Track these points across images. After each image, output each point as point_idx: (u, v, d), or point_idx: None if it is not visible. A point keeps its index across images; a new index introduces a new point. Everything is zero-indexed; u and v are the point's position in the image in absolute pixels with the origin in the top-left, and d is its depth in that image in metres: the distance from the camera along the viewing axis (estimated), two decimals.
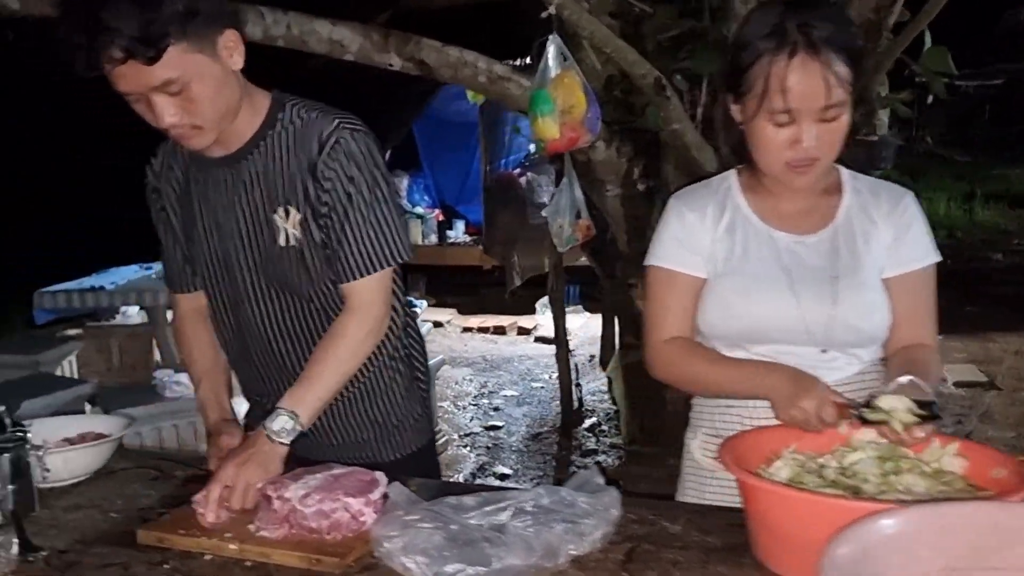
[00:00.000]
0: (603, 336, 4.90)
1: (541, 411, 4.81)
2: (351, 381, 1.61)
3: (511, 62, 3.58)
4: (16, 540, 1.30)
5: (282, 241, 1.54)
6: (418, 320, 1.76)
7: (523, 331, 6.84)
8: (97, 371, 5.40)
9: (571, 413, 4.24)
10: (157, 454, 1.83)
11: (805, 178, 1.39)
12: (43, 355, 4.68)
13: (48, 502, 1.49)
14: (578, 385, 4.59)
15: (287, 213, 1.51)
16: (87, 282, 4.79)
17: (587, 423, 4.45)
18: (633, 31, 3.31)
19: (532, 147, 6.62)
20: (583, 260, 4.67)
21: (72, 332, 5.55)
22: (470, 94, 4.32)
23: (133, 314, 5.68)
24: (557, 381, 4.61)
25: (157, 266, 5.22)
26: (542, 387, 5.27)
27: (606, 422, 4.41)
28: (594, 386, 5.00)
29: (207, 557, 1.26)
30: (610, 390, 4.81)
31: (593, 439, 4.23)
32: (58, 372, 4.84)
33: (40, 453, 1.48)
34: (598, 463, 3.88)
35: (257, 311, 1.61)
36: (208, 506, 1.32)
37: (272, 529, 1.28)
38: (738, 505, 1.45)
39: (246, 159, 1.53)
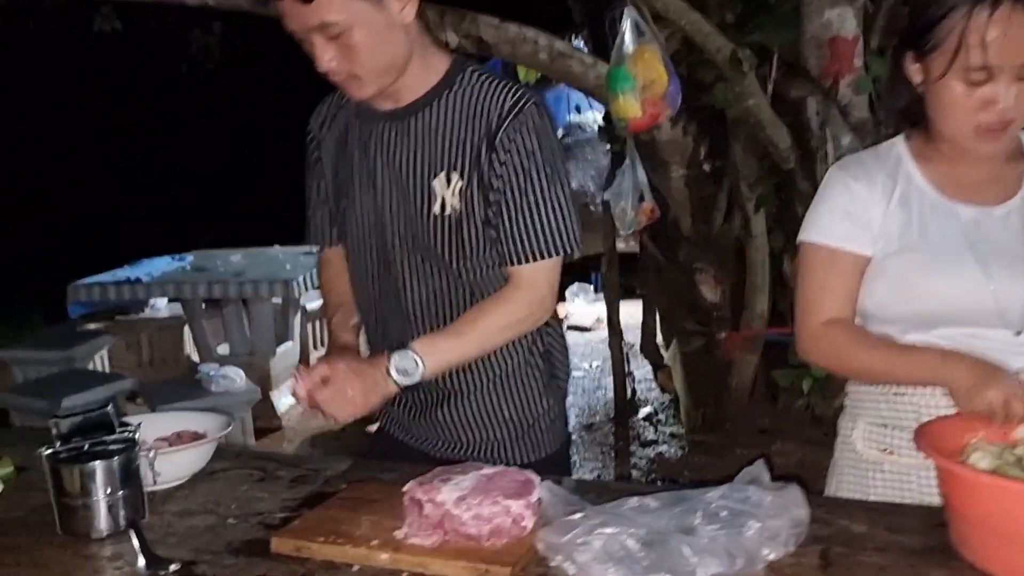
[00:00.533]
0: (644, 323, 4.78)
1: (588, 401, 4.69)
2: (488, 373, 1.51)
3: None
4: (140, 551, 1.18)
5: (436, 209, 1.43)
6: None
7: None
8: (127, 366, 5.30)
9: (625, 402, 4.12)
10: (255, 454, 1.70)
11: (995, 144, 1.26)
12: (75, 350, 4.57)
13: (155, 507, 1.37)
14: (630, 374, 4.47)
15: (448, 180, 1.40)
16: (121, 274, 4.66)
17: (642, 412, 4.33)
18: (698, 6, 3.18)
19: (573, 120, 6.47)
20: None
21: (100, 326, 5.44)
22: (522, 72, 4.17)
23: (162, 307, 5.58)
24: (598, 370, 4.50)
25: (189, 257, 5.10)
26: (584, 376, 5.15)
27: (662, 411, 4.29)
28: (639, 374, 4.87)
29: (355, 568, 1.14)
30: (655, 378, 4.69)
31: (651, 429, 4.10)
32: (90, 367, 4.73)
33: (151, 455, 1.36)
34: (659, 454, 3.76)
35: (402, 279, 1.51)
36: (303, 378, 1.35)
37: (424, 536, 1.15)
38: (917, 501, 1.34)
39: (415, 116, 1.43)
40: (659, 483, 3.44)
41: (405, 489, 1.20)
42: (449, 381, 1.55)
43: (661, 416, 4.26)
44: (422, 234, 1.45)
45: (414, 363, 1.37)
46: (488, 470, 1.23)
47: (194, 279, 4.52)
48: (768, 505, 1.11)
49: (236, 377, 3.78)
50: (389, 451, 1.65)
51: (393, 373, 1.38)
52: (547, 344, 1.58)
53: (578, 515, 1.10)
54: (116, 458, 1.27)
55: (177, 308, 5.37)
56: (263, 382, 4.54)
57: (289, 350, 5.12)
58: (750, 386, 3.45)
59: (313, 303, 5.48)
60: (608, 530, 1.04)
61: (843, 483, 1.46)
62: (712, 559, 1.01)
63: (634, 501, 1.10)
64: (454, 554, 1.12)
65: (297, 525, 1.24)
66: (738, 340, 3.38)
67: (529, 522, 1.16)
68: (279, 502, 1.39)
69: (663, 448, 3.83)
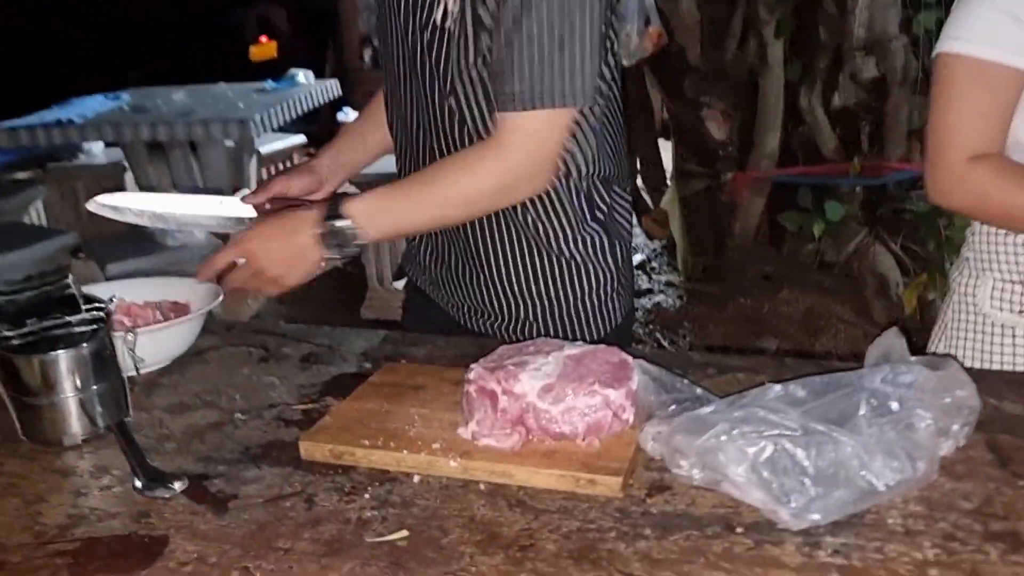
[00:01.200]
0: (630, 165, 4.49)
1: None
2: (526, 245, 1.26)
3: None
4: (133, 466, 0.91)
5: (438, 17, 1.13)
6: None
7: None
8: (65, 220, 4.86)
9: None
10: (249, 327, 1.42)
11: None
12: (4, 203, 4.13)
13: (138, 401, 1.10)
14: None
15: None
16: (48, 116, 4.14)
17: (634, 260, 4.10)
18: None
19: None
20: None
21: (29, 175, 4.95)
22: None
23: (99, 153, 5.09)
24: None
25: (125, 96, 4.58)
26: None
27: (654, 259, 4.08)
28: None
29: (416, 479, 0.89)
30: (639, 223, 4.47)
31: (644, 277, 3.90)
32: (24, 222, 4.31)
33: (129, 337, 1.07)
34: (657, 304, 3.58)
35: (404, 107, 1.27)
36: (205, 271, 1.22)
37: (500, 436, 0.91)
38: None
39: None
40: (660, 335, 3.27)
41: (471, 376, 0.94)
42: (479, 246, 1.29)
43: (654, 264, 4.05)
44: (419, 49, 1.19)
45: (348, 232, 1.15)
46: (571, 349, 0.97)
47: (134, 120, 4.03)
48: (933, 389, 0.88)
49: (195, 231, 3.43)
50: (422, 312, 1.40)
51: (323, 238, 1.16)
52: (609, 208, 1.30)
53: (708, 408, 0.86)
54: (86, 344, 0.98)
55: (116, 153, 4.88)
56: (222, 235, 4.17)
57: None
58: (754, 232, 3.24)
59: (269, 146, 5.05)
60: (755, 430, 0.81)
61: (958, 349, 1.25)
62: (890, 465, 0.79)
63: (776, 389, 0.86)
64: (543, 460, 0.88)
65: (330, 423, 0.98)
66: (745, 181, 3.13)
67: (631, 415, 0.92)
68: (295, 389, 1.13)
69: (660, 298, 3.65)
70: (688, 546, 0.77)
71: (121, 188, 4.97)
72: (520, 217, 1.25)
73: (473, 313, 1.33)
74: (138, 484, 0.88)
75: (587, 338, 1.29)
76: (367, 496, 0.87)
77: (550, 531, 0.80)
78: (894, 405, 0.84)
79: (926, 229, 2.52)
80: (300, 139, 5.50)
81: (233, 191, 4.71)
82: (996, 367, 1.20)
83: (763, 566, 0.73)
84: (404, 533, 0.80)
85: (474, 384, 0.93)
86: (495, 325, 1.31)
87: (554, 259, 1.27)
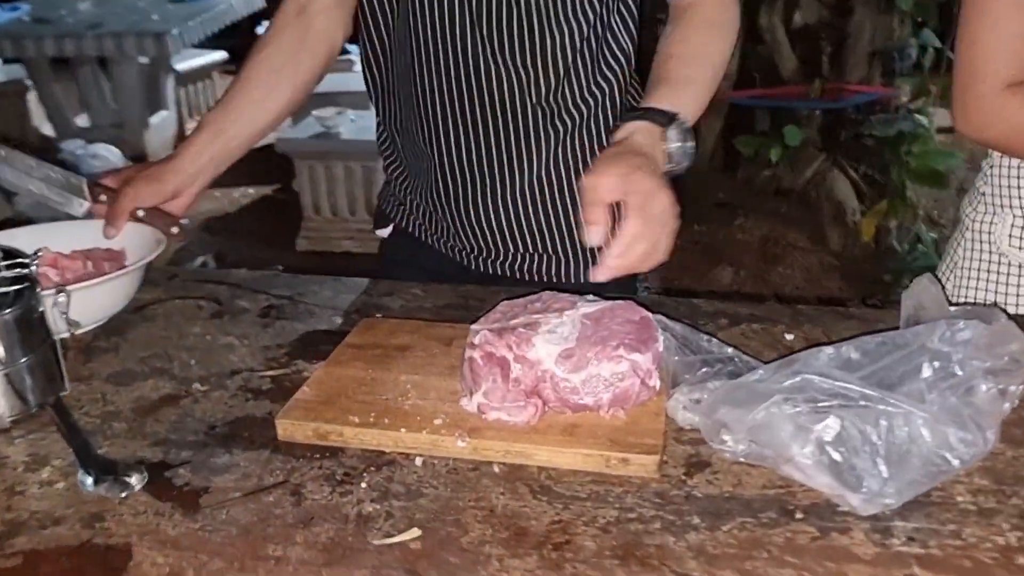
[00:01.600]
0: None
1: None
2: (579, 169, 1.14)
3: None
4: (78, 457, 0.77)
5: None
6: None
7: None
8: None
9: None
10: (194, 274, 1.25)
11: None
12: None
13: (74, 370, 0.95)
14: None
15: None
16: None
17: None
18: None
19: None
20: None
21: None
22: None
23: None
24: None
25: (24, 6, 4.16)
26: None
27: None
28: None
29: (418, 462, 0.77)
30: None
31: None
32: None
33: (62, 298, 0.91)
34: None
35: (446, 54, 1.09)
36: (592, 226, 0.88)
37: (513, 410, 0.79)
38: None
39: None
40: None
41: (476, 340, 0.82)
42: (509, 164, 1.14)
43: None
44: None
45: (688, 139, 0.97)
46: (586, 306, 0.86)
47: (37, 33, 3.66)
48: (987, 345, 0.80)
49: (110, 155, 3.15)
50: (411, 261, 1.26)
51: (674, 156, 0.97)
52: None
53: (753, 376, 0.76)
54: (10, 309, 0.82)
55: (16, 71, 4.47)
56: (138, 162, 3.88)
57: (165, 121, 4.40)
58: (709, 157, 3.15)
59: (187, 63, 4.70)
60: (813, 402, 0.71)
61: (970, 290, 1.18)
62: (963, 438, 0.71)
63: (828, 352, 0.77)
64: (565, 436, 0.77)
65: (309, 396, 0.84)
66: None
67: (657, 380, 0.82)
68: (258, 352, 0.98)
69: None
70: (745, 537, 0.67)
71: (23, 109, 4.58)
72: (562, 127, 1.13)
73: (484, 252, 1.20)
74: (87, 480, 0.74)
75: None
76: (364, 486, 0.74)
77: (585, 523, 0.69)
78: (956, 368, 0.75)
79: (889, 155, 2.47)
80: (221, 55, 5.13)
81: (149, 113, 4.37)
82: (1012, 309, 1.14)
83: (834, 560, 0.65)
84: (416, 532, 0.69)
85: (479, 350, 0.81)
86: (507, 264, 1.19)
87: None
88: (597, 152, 1.15)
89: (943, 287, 1.23)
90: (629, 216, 0.84)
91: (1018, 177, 1.12)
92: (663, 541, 0.67)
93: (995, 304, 1.15)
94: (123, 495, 0.73)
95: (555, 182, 1.14)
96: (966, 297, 1.19)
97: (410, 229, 1.26)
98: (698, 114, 1.01)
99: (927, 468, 0.68)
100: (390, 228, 1.30)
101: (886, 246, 2.69)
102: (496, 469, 0.76)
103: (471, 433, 0.78)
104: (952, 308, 0.89)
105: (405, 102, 1.16)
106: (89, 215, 1.14)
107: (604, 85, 1.12)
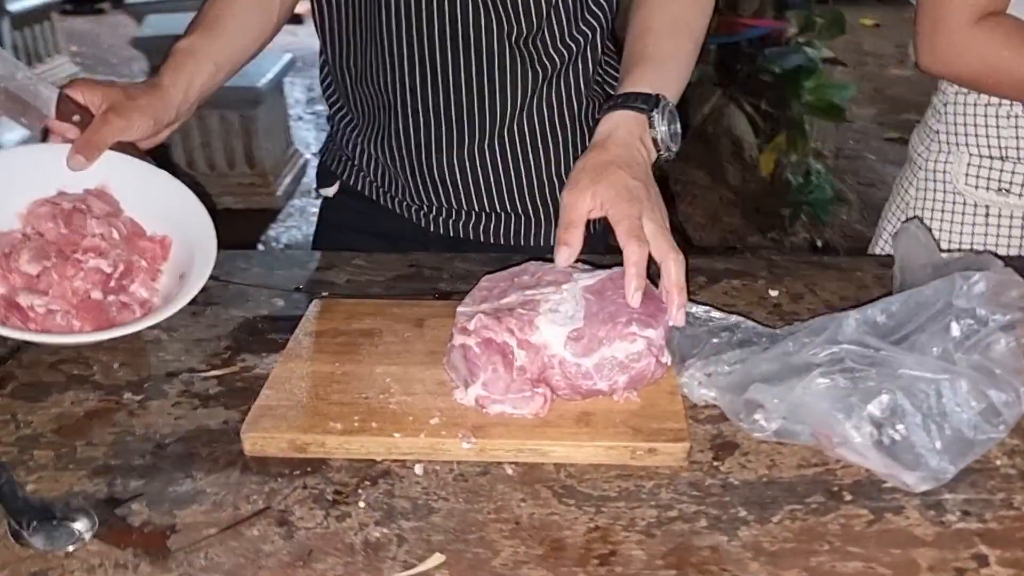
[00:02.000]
0: None
1: None
2: (554, 125, 1.06)
3: None
4: (13, 511, 0.63)
5: None
6: None
7: None
8: None
9: None
10: None
11: None
12: None
13: None
14: None
15: None
16: None
17: None
18: None
19: None
20: None
21: None
22: None
23: None
24: None
25: None
26: None
27: None
28: None
29: (419, 470, 0.68)
30: None
31: None
32: None
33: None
34: None
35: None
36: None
37: (518, 402, 0.70)
38: None
39: None
40: None
41: (471, 326, 0.72)
42: (480, 116, 1.03)
43: None
44: None
45: (673, 115, 0.88)
46: (584, 278, 0.77)
47: None
48: (994, 297, 0.77)
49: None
50: (356, 225, 1.13)
51: (662, 144, 0.87)
52: (605, 78, 1.08)
53: (780, 348, 0.70)
54: None
55: None
56: None
57: None
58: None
59: (21, 3, 4.21)
60: (852, 374, 0.66)
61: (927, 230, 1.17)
62: (1004, 400, 0.67)
63: (855, 317, 0.71)
64: (580, 427, 0.69)
65: (274, 400, 0.73)
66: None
67: (668, 356, 0.75)
68: (193, 346, 0.85)
69: None
70: (799, 528, 0.62)
71: None
72: (541, 71, 1.02)
73: (447, 212, 1.09)
74: (21, 533, 0.60)
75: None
76: (362, 505, 0.64)
77: (625, 528, 0.62)
78: (977, 324, 0.72)
79: (787, 90, 2.48)
80: None
81: None
82: (967, 248, 1.14)
83: (898, 545, 0.60)
84: (439, 558, 0.59)
85: (475, 336, 0.71)
86: (472, 225, 1.08)
87: (568, 133, 1.07)
88: (575, 105, 1.05)
89: (892, 231, 1.22)
90: (628, 247, 0.75)
91: (975, 115, 1.10)
92: (715, 542, 0.61)
93: (949, 243, 1.15)
94: (70, 547, 0.60)
95: (528, 135, 1.04)
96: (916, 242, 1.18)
97: (360, 187, 1.13)
98: (681, 92, 0.92)
99: (977, 436, 0.65)
100: (335, 187, 1.16)
101: (782, 180, 2.74)
102: (509, 471, 0.68)
103: (475, 432, 0.69)
104: (944, 256, 0.87)
105: (363, 36, 1.02)
106: (45, 134, 0.91)
107: (587, 30, 1.02)
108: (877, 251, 1.26)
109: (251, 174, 3.35)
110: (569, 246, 0.77)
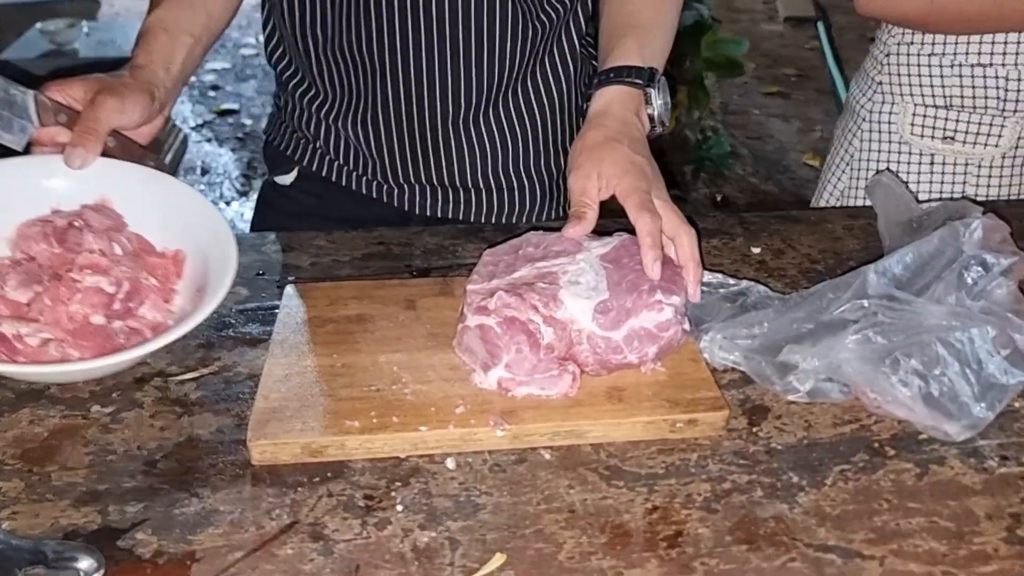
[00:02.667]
0: None
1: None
2: (541, 103, 1.00)
3: None
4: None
5: None
6: None
7: None
8: None
9: None
10: None
11: None
12: None
13: None
14: None
15: None
16: None
17: None
18: None
19: None
20: None
21: None
22: None
23: None
24: None
25: None
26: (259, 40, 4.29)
27: None
28: None
29: (451, 464, 0.63)
30: None
31: None
32: None
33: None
34: None
35: None
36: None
37: (546, 382, 0.66)
38: (979, 197, 1.12)
39: None
40: None
41: (491, 305, 0.67)
42: (449, 77, 0.94)
43: None
44: None
45: (664, 87, 0.83)
46: (598, 246, 0.73)
47: None
48: (986, 242, 0.79)
49: None
50: (320, 213, 1.03)
51: (657, 118, 0.83)
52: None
53: (802, 309, 0.68)
54: None
55: None
56: None
57: None
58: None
59: None
60: (885, 330, 0.65)
61: (861, 179, 1.19)
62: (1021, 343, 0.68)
63: (875, 271, 0.71)
64: (614, 404, 0.66)
65: (276, 401, 0.65)
66: None
67: (686, 324, 0.72)
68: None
69: None
70: (854, 488, 0.61)
71: None
72: (541, 35, 0.96)
73: (434, 194, 1.01)
74: None
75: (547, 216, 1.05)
76: (400, 508, 0.59)
77: (684, 506, 0.59)
78: (983, 270, 0.73)
79: (686, 47, 2.50)
80: None
81: None
82: (921, 197, 1.17)
83: (952, 496, 0.60)
84: (500, 558, 0.55)
85: (495, 315, 0.67)
86: (469, 207, 1.02)
87: (565, 98, 1.01)
88: (570, 65, 0.99)
89: (838, 182, 1.24)
90: (641, 219, 0.72)
91: (918, 64, 1.13)
92: (777, 511, 0.59)
93: None
94: None
95: (524, 100, 0.98)
96: (860, 191, 1.20)
97: (321, 170, 1.03)
98: (665, 60, 0.88)
99: (1008, 380, 0.65)
100: (294, 173, 1.05)
101: (680, 138, 2.77)
102: (547, 456, 0.64)
103: (506, 417, 0.64)
104: (923, 206, 0.88)
105: None
106: (28, 146, 0.77)
107: None
108: (822, 203, 1.28)
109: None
110: (581, 220, 0.73)
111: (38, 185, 0.75)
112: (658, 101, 0.81)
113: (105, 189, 0.77)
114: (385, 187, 1.01)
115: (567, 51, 0.99)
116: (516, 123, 0.98)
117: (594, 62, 1.05)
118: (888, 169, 1.18)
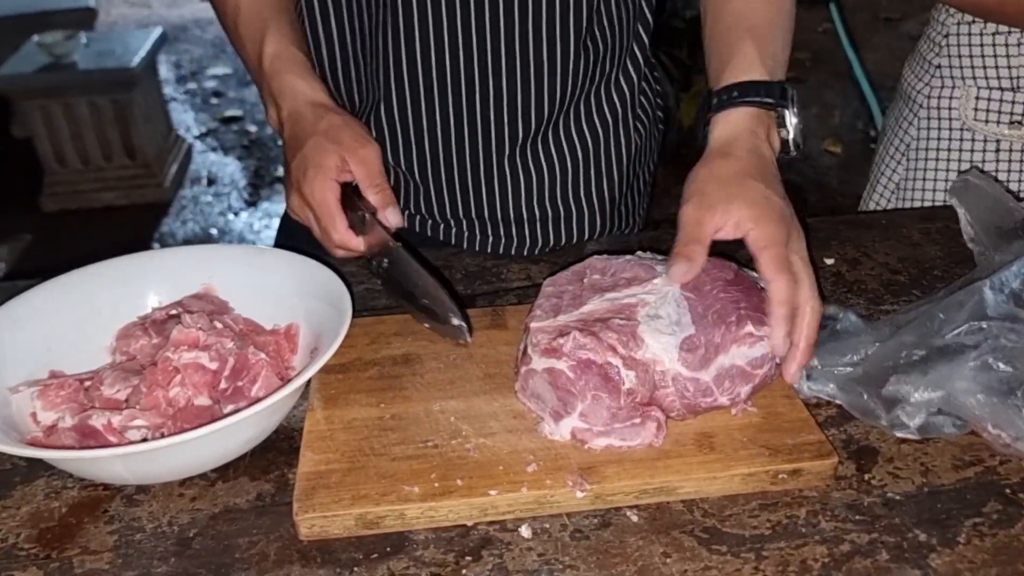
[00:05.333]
0: None
1: None
2: (607, 126, 0.90)
3: None
4: None
5: None
6: None
7: None
8: None
9: None
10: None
11: None
12: None
13: None
14: None
15: None
16: None
17: None
18: None
19: None
20: None
21: None
22: None
23: None
24: None
25: None
26: None
27: None
28: None
29: (525, 532, 0.55)
30: None
31: None
32: None
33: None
34: None
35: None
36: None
37: (628, 432, 0.58)
38: None
39: None
40: None
41: (565, 347, 0.59)
42: (503, 103, 0.85)
43: None
44: None
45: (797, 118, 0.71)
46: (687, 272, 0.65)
47: None
48: None
49: None
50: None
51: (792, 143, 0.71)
52: (654, 80, 0.95)
53: (913, 333, 0.60)
54: None
55: None
56: None
57: None
58: None
59: None
60: (1002, 351, 0.57)
61: (929, 171, 1.11)
62: None
63: (991, 286, 0.63)
64: (706, 456, 0.58)
65: (321, 463, 0.57)
66: None
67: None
68: None
69: None
70: (992, 546, 0.53)
71: None
72: (598, 55, 0.86)
73: (490, 234, 0.91)
74: None
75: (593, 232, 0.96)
76: None
77: (799, 574, 0.51)
78: None
79: (699, 34, 2.40)
80: None
81: None
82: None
83: None
84: None
85: (568, 358, 0.59)
86: (509, 244, 0.92)
87: (612, 133, 0.91)
88: (631, 86, 0.90)
89: (894, 173, 1.16)
90: (776, 283, 0.61)
91: (980, 44, 1.04)
92: None
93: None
94: None
95: (578, 129, 0.88)
96: (926, 179, 1.12)
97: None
98: (786, 66, 0.75)
99: None
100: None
101: (693, 129, 2.68)
102: (634, 518, 0.56)
103: (586, 475, 0.56)
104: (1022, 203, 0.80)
105: (380, 19, 0.81)
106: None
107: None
108: (876, 196, 1.19)
109: (133, 165, 3.03)
110: (690, 261, 0.62)
111: (135, 287, 0.70)
112: (793, 122, 0.70)
113: (206, 277, 0.71)
114: (430, 222, 0.92)
115: (629, 70, 0.89)
116: (571, 149, 0.89)
117: (656, 73, 0.96)
118: (948, 158, 1.09)
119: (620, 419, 0.58)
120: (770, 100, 0.69)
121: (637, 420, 0.58)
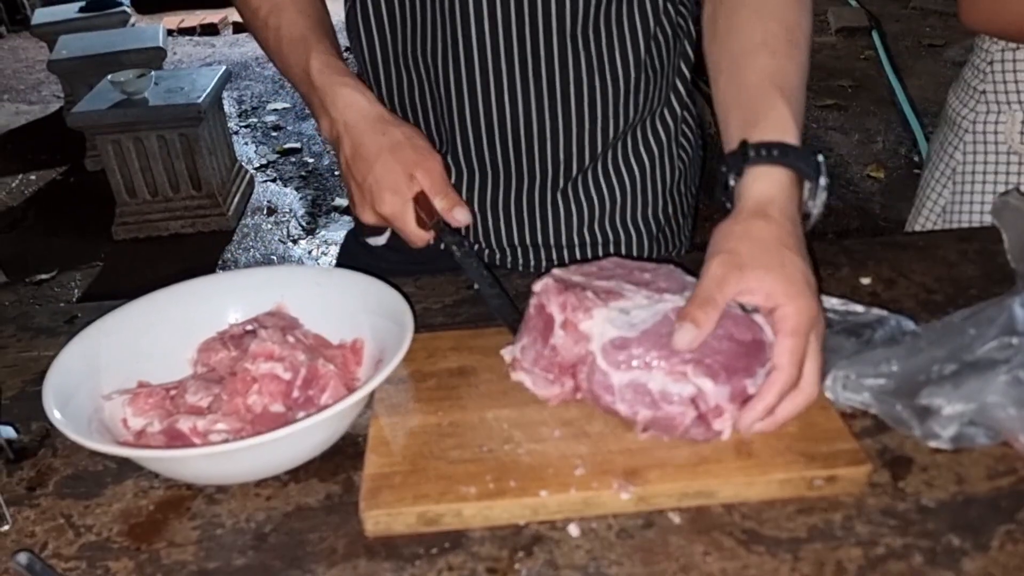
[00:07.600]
0: None
1: None
2: (650, 149, 0.95)
3: None
4: None
5: None
6: None
7: (241, 26, 5.59)
8: None
9: None
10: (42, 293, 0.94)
11: None
12: None
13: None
14: None
15: None
16: None
17: None
18: None
19: None
20: None
21: None
22: None
23: None
24: None
25: None
26: None
27: None
28: None
29: (574, 531, 0.59)
30: None
31: None
32: None
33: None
34: None
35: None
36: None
37: (539, 381, 0.67)
38: None
39: None
40: None
41: (537, 287, 0.64)
42: (559, 130, 0.89)
43: None
44: None
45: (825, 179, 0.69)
46: (669, 295, 0.68)
47: None
48: None
49: None
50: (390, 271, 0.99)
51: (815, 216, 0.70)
52: (695, 104, 0.99)
53: (943, 347, 0.63)
54: None
55: None
56: None
57: None
58: None
59: None
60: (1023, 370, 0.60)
61: (975, 195, 1.13)
62: None
63: (1020, 304, 0.65)
64: (745, 461, 0.61)
65: (386, 466, 0.62)
66: None
67: (724, 427, 0.64)
68: None
69: None
70: (1023, 552, 0.55)
71: None
72: (632, 100, 0.90)
73: (541, 253, 0.97)
74: None
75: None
76: None
77: (834, 574, 0.54)
78: None
79: None
80: None
81: None
82: None
83: None
84: None
85: (536, 298, 0.68)
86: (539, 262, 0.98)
87: (662, 158, 0.96)
88: (681, 109, 0.94)
89: (939, 197, 1.18)
90: (780, 372, 0.61)
91: None
92: None
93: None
94: None
95: (629, 157, 0.93)
96: (972, 202, 1.14)
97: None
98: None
99: None
100: (386, 234, 0.96)
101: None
102: (676, 520, 0.59)
103: (630, 478, 0.60)
104: None
105: (440, 57, 0.85)
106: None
107: (682, 21, 0.92)
108: (921, 220, 1.21)
109: (198, 196, 3.16)
110: (698, 328, 0.60)
111: (214, 305, 0.76)
112: (822, 197, 0.68)
113: (279, 296, 0.77)
114: (487, 250, 0.97)
115: (673, 104, 0.94)
116: (619, 180, 0.94)
117: (696, 100, 1.00)
118: (995, 182, 1.11)
119: (541, 367, 0.66)
120: (806, 168, 0.67)
121: (551, 376, 0.65)
